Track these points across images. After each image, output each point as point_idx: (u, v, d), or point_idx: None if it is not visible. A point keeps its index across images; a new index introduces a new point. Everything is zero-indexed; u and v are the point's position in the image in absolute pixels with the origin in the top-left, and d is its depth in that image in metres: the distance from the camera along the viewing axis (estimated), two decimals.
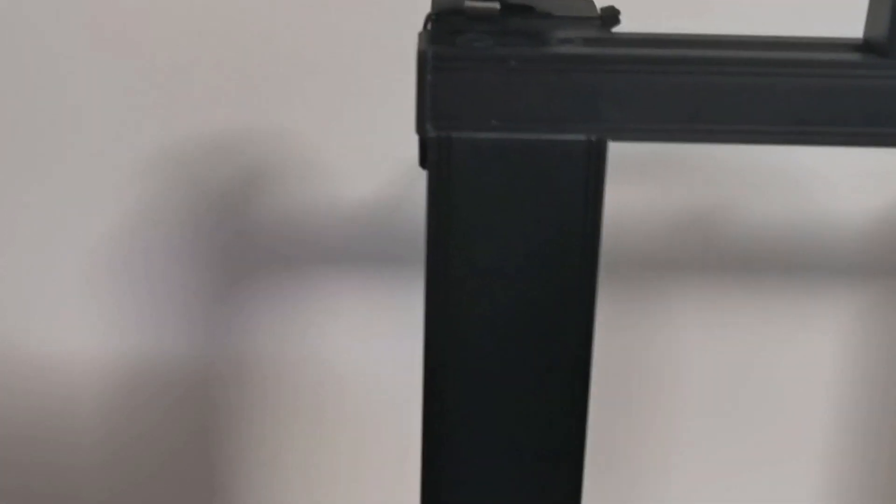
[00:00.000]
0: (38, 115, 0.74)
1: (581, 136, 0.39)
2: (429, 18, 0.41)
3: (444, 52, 0.38)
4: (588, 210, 0.39)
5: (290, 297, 0.77)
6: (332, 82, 0.72)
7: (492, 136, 0.39)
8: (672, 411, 0.80)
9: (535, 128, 0.39)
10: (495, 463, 0.43)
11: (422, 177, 0.40)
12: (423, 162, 0.40)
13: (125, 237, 0.76)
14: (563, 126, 0.39)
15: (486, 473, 0.43)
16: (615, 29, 0.42)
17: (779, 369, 0.80)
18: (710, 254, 0.77)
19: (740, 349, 0.79)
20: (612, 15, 0.42)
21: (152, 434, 0.81)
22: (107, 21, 0.72)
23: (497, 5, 0.42)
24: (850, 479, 0.82)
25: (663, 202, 0.75)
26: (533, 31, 0.40)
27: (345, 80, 0.72)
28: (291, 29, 0.71)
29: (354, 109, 0.73)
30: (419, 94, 0.38)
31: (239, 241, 0.76)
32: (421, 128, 0.39)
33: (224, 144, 0.74)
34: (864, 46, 0.39)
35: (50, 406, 0.80)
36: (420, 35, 0.40)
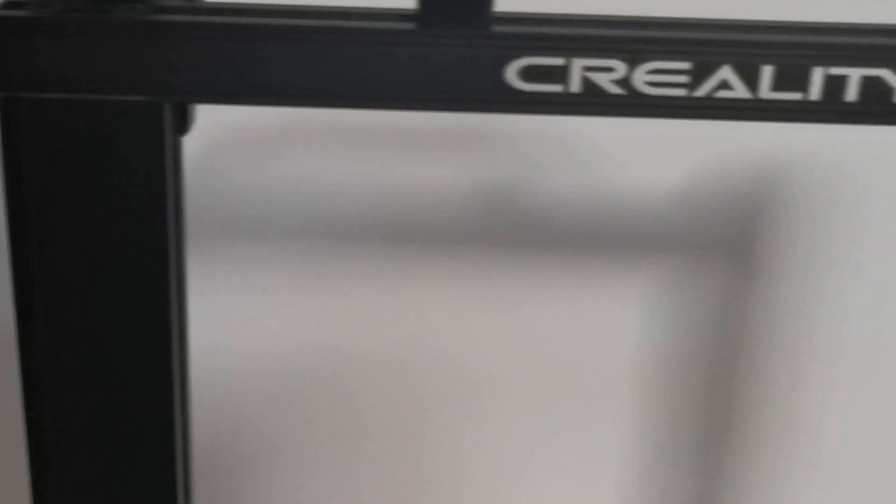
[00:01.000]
0: None
1: (139, 98, 0.40)
2: None
3: (8, 15, 0.40)
4: (153, 172, 0.41)
5: None
6: None
7: (57, 96, 0.40)
8: (472, 387, 0.83)
9: (96, 89, 0.40)
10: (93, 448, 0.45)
11: None
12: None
13: None
14: (122, 88, 0.40)
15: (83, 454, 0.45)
16: None
17: (581, 343, 0.82)
18: (509, 228, 0.79)
19: (539, 323, 0.82)
20: None
21: None
22: None
23: None
24: (657, 452, 0.85)
25: (462, 176, 0.78)
26: None
27: None
28: None
29: None
30: None
31: None
32: None
33: None
34: (413, 16, 0.41)
35: None
36: None
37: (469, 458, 0.86)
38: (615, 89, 0.39)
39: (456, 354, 0.83)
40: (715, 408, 0.84)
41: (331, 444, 0.86)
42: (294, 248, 0.79)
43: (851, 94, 0.39)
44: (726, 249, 0.80)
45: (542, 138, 0.77)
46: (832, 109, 0.39)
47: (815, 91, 0.39)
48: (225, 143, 0.75)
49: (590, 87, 0.39)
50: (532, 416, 0.84)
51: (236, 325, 0.80)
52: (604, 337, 0.82)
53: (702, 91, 0.39)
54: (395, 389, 0.84)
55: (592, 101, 0.39)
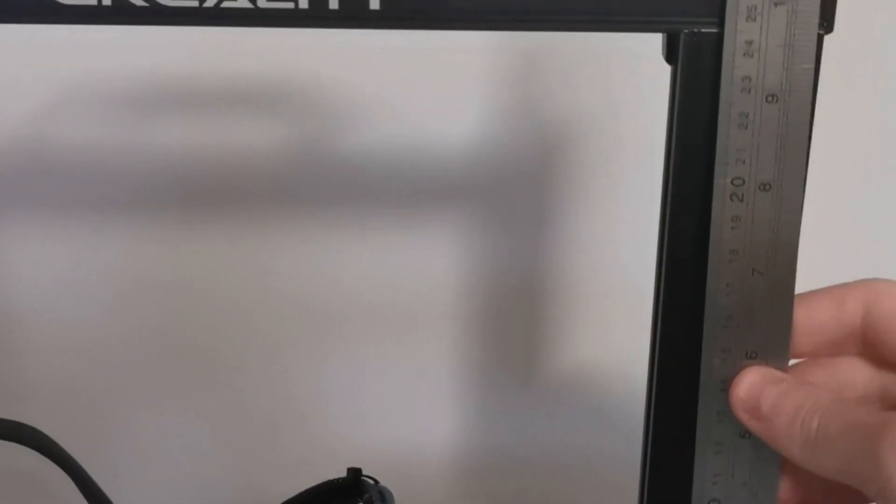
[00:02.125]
0: None
1: None
2: None
3: None
4: None
5: None
6: None
7: None
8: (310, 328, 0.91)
9: None
10: None
11: None
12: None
13: None
14: None
15: None
16: None
17: (399, 284, 0.91)
18: (320, 182, 0.87)
19: (359, 268, 0.90)
20: None
21: None
22: None
23: None
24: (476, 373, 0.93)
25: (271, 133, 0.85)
26: None
27: None
28: None
29: None
30: None
31: None
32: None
33: None
34: None
35: None
36: None
37: (302, 386, 0.93)
38: (139, 2, 0.46)
39: (291, 299, 0.90)
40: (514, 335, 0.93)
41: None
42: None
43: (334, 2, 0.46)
44: (516, 194, 0.88)
45: (337, 101, 0.83)
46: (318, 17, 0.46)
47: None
48: None
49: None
50: (365, 351, 0.93)
51: None
52: (418, 277, 0.91)
53: (210, 2, 0.46)
54: (237, 334, 0.91)
55: (120, 13, 0.46)
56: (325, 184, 0.87)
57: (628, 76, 0.83)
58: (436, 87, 0.85)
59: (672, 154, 0.47)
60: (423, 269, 0.90)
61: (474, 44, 0.82)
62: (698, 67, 0.45)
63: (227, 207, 0.88)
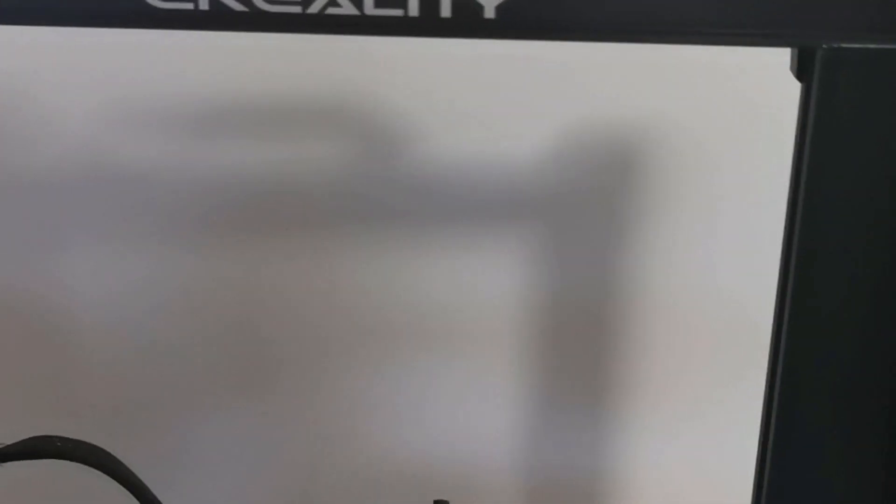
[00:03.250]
0: None
1: None
2: None
3: None
4: None
5: None
6: None
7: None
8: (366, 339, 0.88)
9: None
10: None
11: None
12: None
13: None
14: None
15: None
16: None
17: (466, 298, 0.87)
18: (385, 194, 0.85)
19: (423, 281, 0.87)
20: None
21: None
22: None
23: None
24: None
25: (329, 152, 0.83)
26: None
27: None
28: None
29: None
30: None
31: None
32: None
33: None
34: None
35: None
36: None
37: (364, 400, 0.90)
38: (238, 6, 0.44)
39: (352, 310, 0.87)
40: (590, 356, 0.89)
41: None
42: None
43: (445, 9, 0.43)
44: (594, 204, 0.84)
45: (400, 112, 0.81)
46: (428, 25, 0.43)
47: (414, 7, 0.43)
48: None
49: (215, 4, 0.44)
50: (427, 366, 0.90)
51: None
52: (485, 292, 0.87)
53: (314, 8, 0.43)
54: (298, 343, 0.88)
55: (219, 18, 0.44)
56: (390, 196, 0.85)
57: (721, 88, 0.80)
58: (506, 98, 0.82)
59: (805, 171, 0.44)
60: (487, 284, 0.87)
61: (545, 53, 0.80)
62: (839, 85, 0.42)
63: (292, 221, 0.86)
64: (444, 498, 0.63)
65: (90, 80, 0.81)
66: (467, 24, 0.43)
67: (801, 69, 0.44)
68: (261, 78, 0.81)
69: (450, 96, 0.83)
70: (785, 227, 0.46)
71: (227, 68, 0.80)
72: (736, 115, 0.80)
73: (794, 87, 0.42)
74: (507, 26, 0.43)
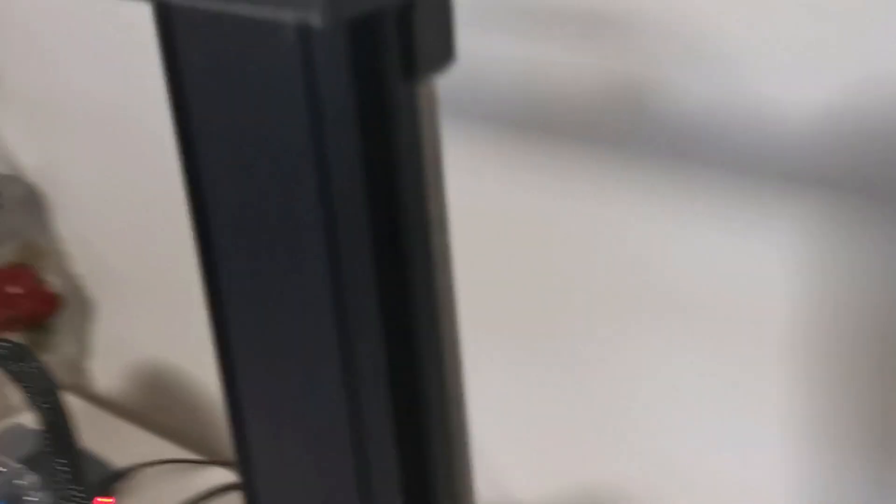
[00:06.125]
0: None
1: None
2: None
3: None
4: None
5: None
6: None
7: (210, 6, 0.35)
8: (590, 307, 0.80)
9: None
10: None
11: None
12: None
13: None
14: None
15: None
16: None
17: (725, 292, 0.73)
18: (641, 133, 0.71)
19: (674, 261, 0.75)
20: None
21: None
22: None
23: None
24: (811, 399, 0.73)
25: (597, 69, 0.71)
26: None
27: None
28: None
29: None
30: None
31: None
32: None
33: None
34: None
35: None
36: None
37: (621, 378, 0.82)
38: None
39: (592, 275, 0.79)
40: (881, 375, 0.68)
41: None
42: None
43: None
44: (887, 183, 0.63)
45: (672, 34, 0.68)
46: None
47: None
48: None
49: None
50: (679, 357, 0.77)
51: None
52: (749, 276, 0.71)
53: None
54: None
55: None
56: (653, 145, 0.71)
57: None
58: (787, 36, 0.64)
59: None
60: (755, 267, 0.72)
61: None
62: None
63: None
64: None
65: None
66: None
67: None
68: None
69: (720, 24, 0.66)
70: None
71: None
72: None
73: None
74: None
